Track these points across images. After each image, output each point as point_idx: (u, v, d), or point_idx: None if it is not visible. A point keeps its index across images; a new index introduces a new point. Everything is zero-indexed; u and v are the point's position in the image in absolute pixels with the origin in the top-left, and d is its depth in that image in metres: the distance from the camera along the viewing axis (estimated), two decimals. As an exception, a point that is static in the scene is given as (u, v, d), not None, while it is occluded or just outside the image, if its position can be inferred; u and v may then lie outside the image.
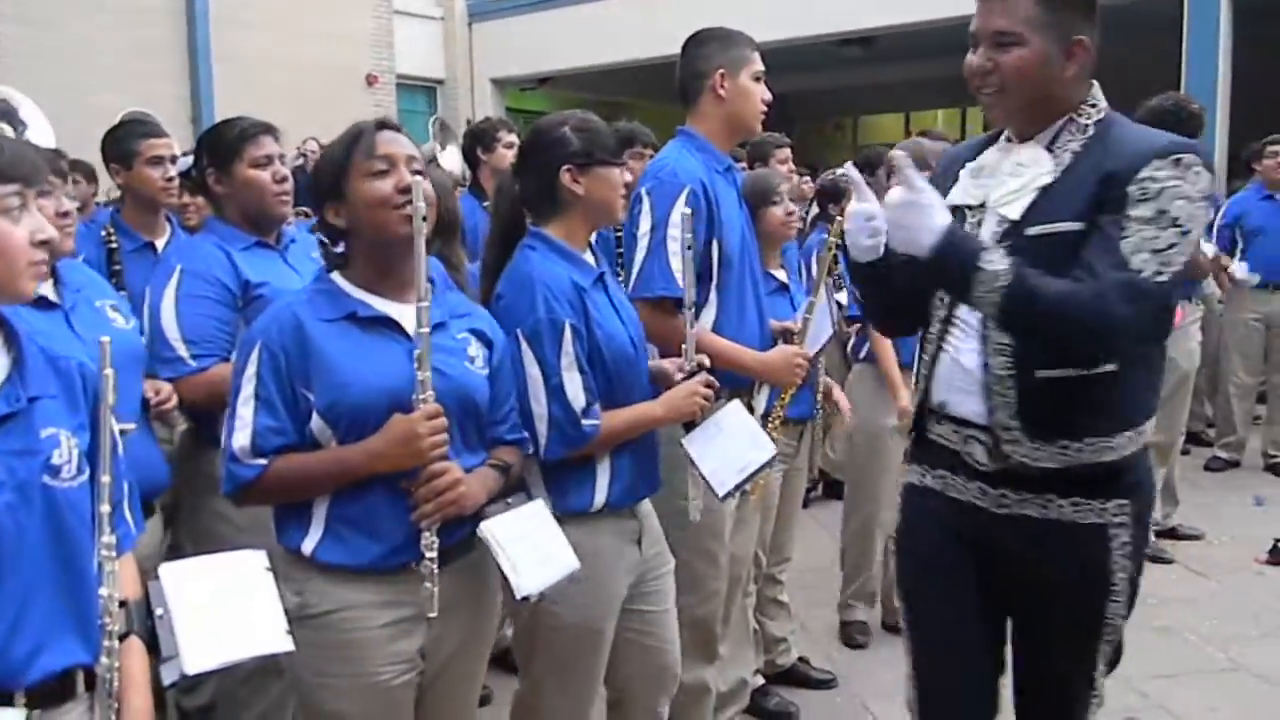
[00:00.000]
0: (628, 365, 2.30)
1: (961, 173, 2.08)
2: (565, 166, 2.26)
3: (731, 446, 2.44)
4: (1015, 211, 1.94)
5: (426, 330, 1.84)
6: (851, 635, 4.02)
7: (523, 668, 2.40)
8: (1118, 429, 1.94)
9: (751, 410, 2.78)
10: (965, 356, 2.01)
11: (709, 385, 2.38)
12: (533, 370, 2.18)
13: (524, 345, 2.18)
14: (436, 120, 7.17)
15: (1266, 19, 9.43)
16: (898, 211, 1.89)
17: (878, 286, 2.14)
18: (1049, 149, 1.96)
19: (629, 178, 2.36)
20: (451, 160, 6.16)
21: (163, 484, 2.61)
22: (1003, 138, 2.08)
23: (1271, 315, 6.06)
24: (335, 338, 1.90)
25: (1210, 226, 5.65)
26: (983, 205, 2.01)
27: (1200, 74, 8.84)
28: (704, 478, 2.45)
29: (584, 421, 2.19)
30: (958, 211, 2.01)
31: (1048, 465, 1.93)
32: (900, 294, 2.10)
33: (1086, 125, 1.96)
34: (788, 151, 4.69)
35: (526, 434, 2.18)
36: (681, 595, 2.63)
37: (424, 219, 1.85)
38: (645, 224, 2.68)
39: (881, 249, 2.03)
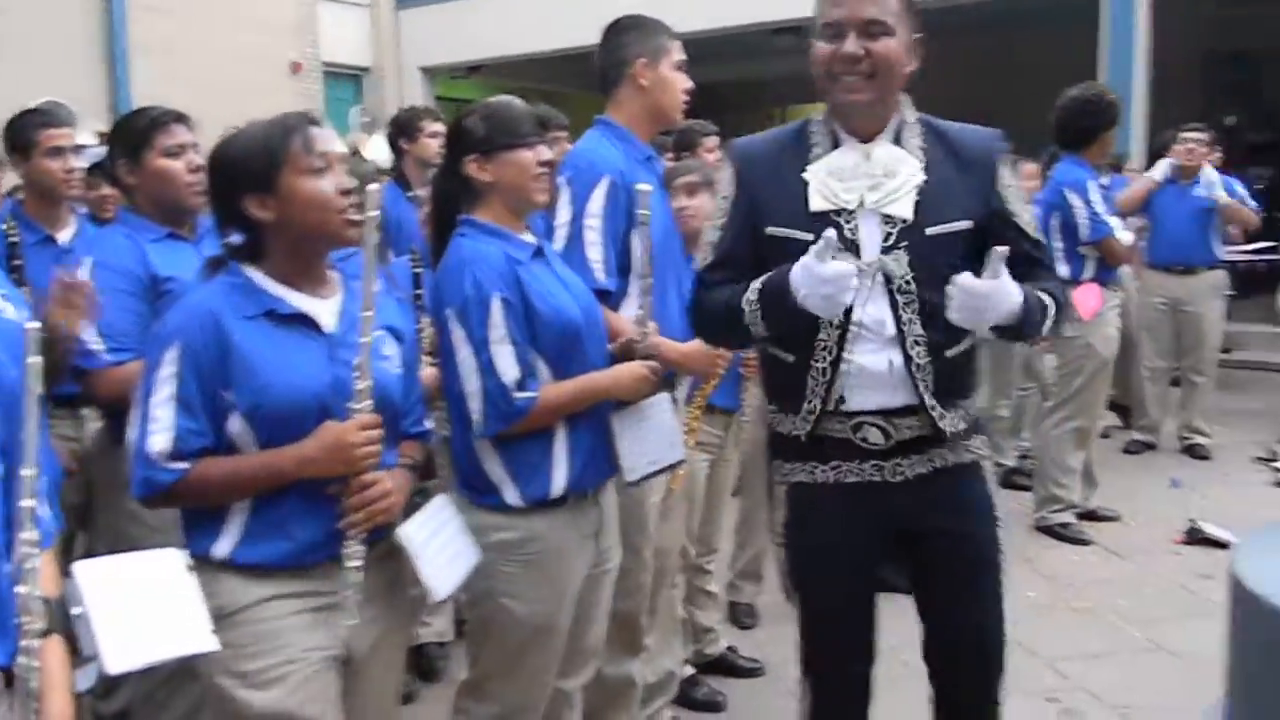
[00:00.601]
0: (577, 337, 2.31)
1: (812, 176, 2.07)
2: (471, 156, 2.27)
3: (650, 437, 2.43)
4: (907, 210, 2.02)
5: (369, 340, 1.82)
6: (739, 617, 4.01)
7: (472, 656, 2.41)
8: (978, 382, 2.28)
9: (675, 401, 2.80)
10: (870, 360, 2.05)
11: (655, 372, 2.40)
12: (463, 349, 2.18)
13: (453, 324, 2.18)
14: (358, 110, 7.08)
15: (1182, 10, 9.67)
16: (978, 298, 1.91)
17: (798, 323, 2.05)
18: (898, 146, 2.08)
19: (547, 155, 2.35)
20: (377, 150, 6.09)
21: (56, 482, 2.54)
22: (823, 138, 2.11)
23: (1179, 299, 6.21)
24: (254, 336, 1.85)
25: (1122, 213, 5.77)
26: (854, 209, 2.04)
27: (1118, 65, 9.03)
28: (618, 457, 2.43)
29: (516, 395, 2.18)
30: (824, 216, 2.03)
31: (958, 427, 2.13)
32: None
33: (914, 123, 2.11)
34: (716, 140, 4.68)
35: (430, 426, 2.18)
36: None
37: (377, 227, 1.82)
38: (564, 215, 2.66)
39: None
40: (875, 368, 2.05)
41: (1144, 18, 9.15)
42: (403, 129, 4.59)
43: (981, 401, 5.85)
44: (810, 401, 2.09)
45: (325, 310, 1.93)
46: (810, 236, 1.95)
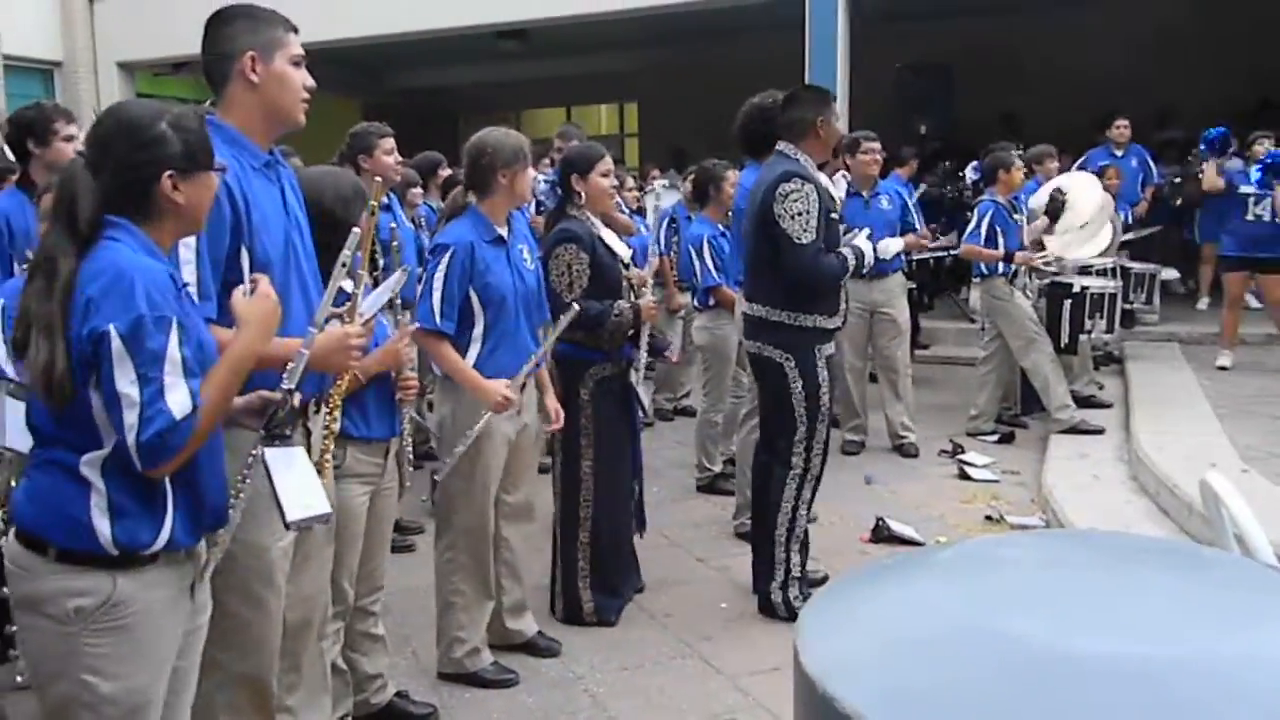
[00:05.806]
0: None
1: None
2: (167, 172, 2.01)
3: (298, 481, 2.23)
4: None
5: None
6: None
7: None
8: None
9: (309, 432, 2.55)
10: None
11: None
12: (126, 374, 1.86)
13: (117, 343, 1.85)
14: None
15: (879, 21, 10.18)
16: None
17: None
18: None
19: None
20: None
21: None
22: None
23: (873, 303, 6.43)
24: None
25: None
26: None
27: (821, 72, 9.37)
28: (277, 496, 2.18)
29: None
30: None
31: None
32: None
33: None
34: (392, 142, 4.47)
35: None
36: (219, 649, 2.33)
37: None
38: None
39: None
40: None
41: (843, 27, 9.54)
42: (30, 130, 4.06)
43: (699, 406, 5.88)
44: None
45: None
46: None
